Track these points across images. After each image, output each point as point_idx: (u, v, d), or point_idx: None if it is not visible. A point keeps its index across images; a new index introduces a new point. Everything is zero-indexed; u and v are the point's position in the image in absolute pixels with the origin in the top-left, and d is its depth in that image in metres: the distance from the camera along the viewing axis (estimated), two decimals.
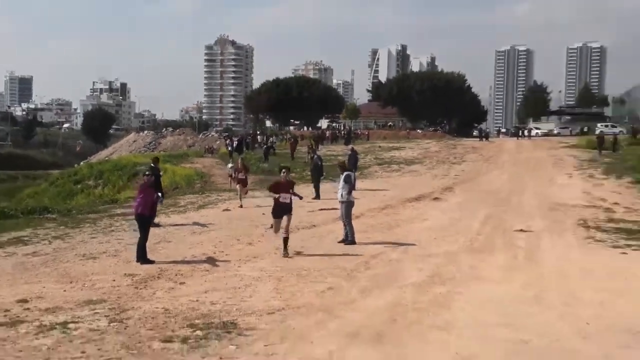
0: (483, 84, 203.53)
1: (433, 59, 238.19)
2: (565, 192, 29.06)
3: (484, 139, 75.83)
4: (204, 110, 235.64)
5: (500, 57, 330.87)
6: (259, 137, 66.95)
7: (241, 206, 23.96)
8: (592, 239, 17.66)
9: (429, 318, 9.81)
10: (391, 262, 14.52)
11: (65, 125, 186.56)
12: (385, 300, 10.97)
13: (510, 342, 8.52)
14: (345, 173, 17.59)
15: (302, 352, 8.14)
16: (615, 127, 78.88)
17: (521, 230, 18.87)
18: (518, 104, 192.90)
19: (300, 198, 16.13)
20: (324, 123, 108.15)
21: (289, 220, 15.09)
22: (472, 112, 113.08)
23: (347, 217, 16.92)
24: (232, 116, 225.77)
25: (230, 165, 32.07)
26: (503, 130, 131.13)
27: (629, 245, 16.52)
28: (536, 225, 19.79)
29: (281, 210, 15.05)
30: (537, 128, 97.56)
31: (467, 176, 37.68)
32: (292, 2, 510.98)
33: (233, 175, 28.05)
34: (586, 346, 8.45)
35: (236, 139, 59.77)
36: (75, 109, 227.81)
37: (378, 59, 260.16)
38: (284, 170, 16.29)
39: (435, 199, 27.42)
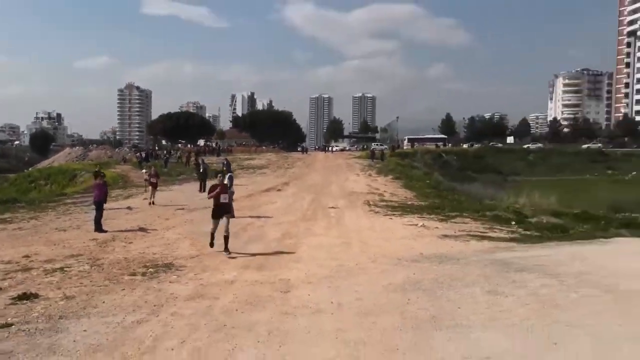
0: (302, 118, 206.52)
1: (271, 101, 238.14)
2: (355, 184, 30.24)
3: (304, 153, 77.61)
4: (117, 132, 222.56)
5: (313, 101, 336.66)
6: (158, 151, 64.89)
7: (153, 203, 20.78)
8: (372, 211, 18.71)
9: (287, 257, 10.49)
10: (258, 227, 14.88)
11: (16, 142, 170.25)
12: (260, 248, 11.51)
13: (334, 266, 9.35)
14: (228, 174, 18.24)
15: (217, 277, 8.63)
16: (383, 145, 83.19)
17: (332, 207, 19.64)
18: (324, 130, 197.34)
19: (232, 200, 12.35)
20: (201, 142, 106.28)
21: (228, 220, 11.14)
22: (296, 136, 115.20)
23: (229, 201, 17.51)
24: (137, 137, 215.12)
25: (144, 170, 30.66)
26: (316, 147, 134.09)
27: (392, 214, 17.78)
28: (340, 204, 20.60)
29: (220, 211, 11.15)
30: (336, 146, 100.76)
31: (297, 176, 38.62)
32: (178, 60, 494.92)
33: (146, 178, 27.24)
34: (373, 265, 9.46)
35: (143, 152, 57.65)
36: (23, 131, 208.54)
37: (235, 100, 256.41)
38: (219, 174, 12.46)
39: (279, 190, 28.07)
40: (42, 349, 5.18)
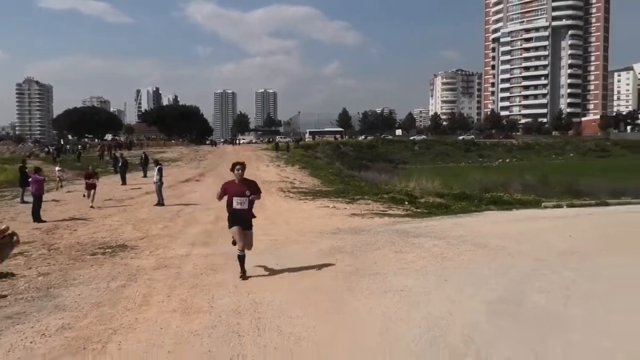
0: (208, 112, 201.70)
1: (176, 96, 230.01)
2: (267, 174, 31.19)
3: (214, 145, 77.06)
4: (16, 128, 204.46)
5: (217, 96, 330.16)
6: (67, 145, 61.24)
7: (92, 207, 16.81)
8: (287, 197, 19.80)
9: (224, 234, 10.84)
10: (189, 213, 15.21)
11: None
12: (198, 229, 12.09)
13: (269, 240, 10.20)
14: (158, 166, 18.43)
15: (172, 252, 9.27)
16: (287, 138, 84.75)
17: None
18: (230, 124, 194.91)
19: (257, 198, 7.69)
20: (109, 136, 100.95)
21: (249, 236, 7.43)
22: (204, 129, 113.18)
23: (159, 191, 17.77)
24: (39, 131, 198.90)
25: (58, 168, 28.68)
26: (222, 140, 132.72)
27: (305, 199, 19.05)
28: None
29: (237, 219, 7.35)
30: (243, 139, 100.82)
31: (211, 167, 38.77)
32: (80, 55, 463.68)
33: (59, 176, 25.85)
34: (302, 238, 10.58)
35: (53, 147, 54.28)
36: None
37: (140, 95, 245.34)
38: (237, 167, 7.47)
39: (197, 180, 28.36)
40: (50, 308, 5.83)
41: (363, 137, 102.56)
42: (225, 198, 7.53)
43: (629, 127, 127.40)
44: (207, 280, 7.06)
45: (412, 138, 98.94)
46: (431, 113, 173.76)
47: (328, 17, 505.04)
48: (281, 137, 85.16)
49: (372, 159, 68.12)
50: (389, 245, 9.39)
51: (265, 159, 45.66)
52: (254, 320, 5.19)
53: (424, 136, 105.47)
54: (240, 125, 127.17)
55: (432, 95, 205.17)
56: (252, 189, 7.48)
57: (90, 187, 18.07)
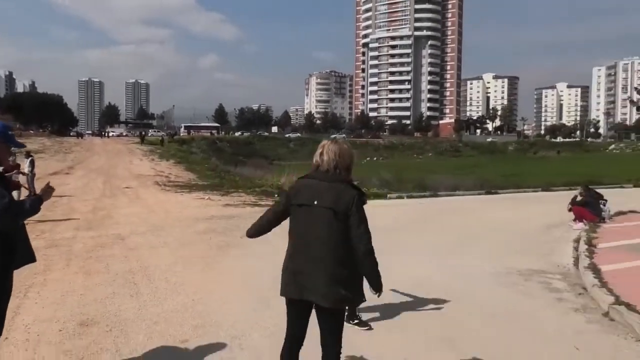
0: (71, 101, 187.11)
1: (34, 82, 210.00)
2: (141, 168, 31.39)
3: (80, 138, 72.90)
4: None
5: (82, 85, 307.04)
6: None
7: None
8: (164, 190, 20.59)
9: (107, 221, 12.12)
10: (66, 204, 15.41)
11: None
12: (80, 219, 12.62)
13: (149, 225, 11.37)
14: (30, 157, 18.25)
15: (58, 235, 9.94)
16: (160, 132, 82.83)
17: (127, 187, 20.95)
18: (98, 115, 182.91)
19: None
20: None
21: None
22: (67, 120, 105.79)
23: (32, 182, 17.67)
24: None
25: None
26: (86, 132, 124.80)
27: (182, 191, 20.03)
28: (133, 185, 21.94)
29: None
30: (112, 131, 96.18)
31: (79, 160, 37.54)
32: None
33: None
34: (179, 223, 11.81)
35: None
36: None
37: None
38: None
39: (67, 173, 27.73)
40: None
41: (240, 133, 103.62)
42: None
43: (478, 131, 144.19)
44: (98, 254, 8.37)
45: (287, 135, 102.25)
46: (306, 112, 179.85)
47: (203, 8, 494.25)
48: (154, 131, 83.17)
49: (249, 155, 69.55)
50: None
51: (138, 153, 45.08)
52: (145, 276, 6.79)
53: (298, 134, 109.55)
54: (110, 116, 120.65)
55: (307, 95, 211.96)
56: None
57: (14, 186, 13.02)
